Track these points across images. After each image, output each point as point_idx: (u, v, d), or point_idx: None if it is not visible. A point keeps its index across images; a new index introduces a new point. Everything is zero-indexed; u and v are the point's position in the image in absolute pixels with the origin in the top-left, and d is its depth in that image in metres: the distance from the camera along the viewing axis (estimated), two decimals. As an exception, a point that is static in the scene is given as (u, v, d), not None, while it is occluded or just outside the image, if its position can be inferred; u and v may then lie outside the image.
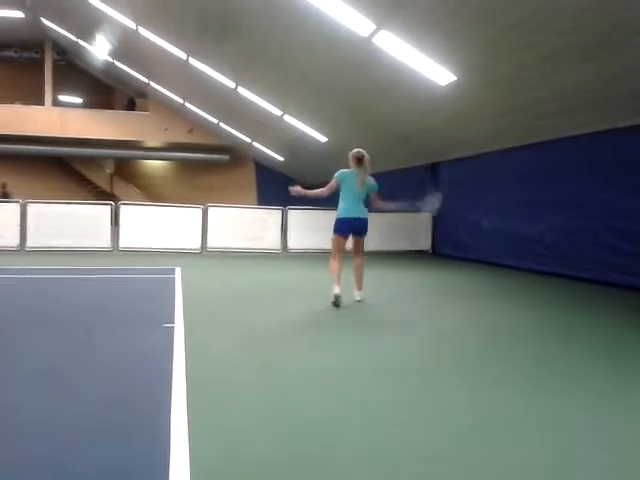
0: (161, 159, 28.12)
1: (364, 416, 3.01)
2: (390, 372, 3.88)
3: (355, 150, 6.55)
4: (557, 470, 2.45)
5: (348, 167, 6.53)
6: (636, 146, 7.90)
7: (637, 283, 7.82)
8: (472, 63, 8.48)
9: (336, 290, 6.22)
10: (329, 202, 15.67)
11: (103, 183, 28.35)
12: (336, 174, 6.49)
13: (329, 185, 6.49)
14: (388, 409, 3.14)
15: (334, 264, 6.49)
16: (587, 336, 5.25)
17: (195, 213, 13.25)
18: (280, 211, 13.87)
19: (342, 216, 6.51)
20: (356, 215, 6.49)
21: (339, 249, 6.58)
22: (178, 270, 9.29)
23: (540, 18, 6.61)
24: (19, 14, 21.08)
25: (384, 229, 14.43)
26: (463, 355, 4.43)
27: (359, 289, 6.69)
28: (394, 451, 2.57)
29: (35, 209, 12.57)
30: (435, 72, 8.93)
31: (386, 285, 8.85)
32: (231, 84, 15.73)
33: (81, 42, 21.55)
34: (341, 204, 6.52)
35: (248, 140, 23.16)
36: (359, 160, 6.47)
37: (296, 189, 6.69)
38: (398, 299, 7.30)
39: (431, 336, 5.09)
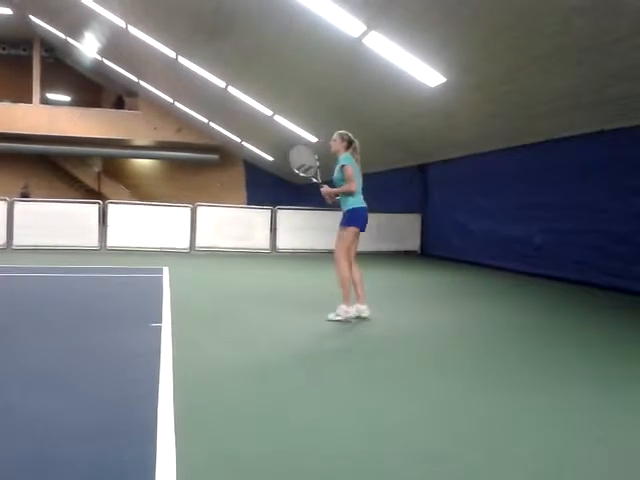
0: (150, 158, 27.98)
1: (359, 418, 3.01)
2: (385, 374, 3.88)
3: (344, 132, 5.83)
4: (553, 470, 2.47)
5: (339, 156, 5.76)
6: (626, 148, 7.97)
7: (625, 285, 7.89)
8: (462, 65, 8.51)
9: (358, 310, 5.59)
10: (314, 201, 15.49)
11: (91, 182, 28.14)
12: (349, 162, 5.62)
13: (350, 175, 5.57)
14: (384, 411, 3.14)
15: (348, 270, 5.59)
16: (577, 337, 5.29)
17: (184, 212, 13.20)
18: (269, 211, 13.86)
19: (362, 205, 5.67)
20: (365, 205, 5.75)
21: (351, 249, 5.69)
22: (166, 270, 9.25)
23: (530, 20, 6.65)
24: (7, 11, 20.90)
25: (372, 230, 14.46)
26: (455, 357, 4.44)
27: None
28: (391, 452, 2.57)
29: (22, 207, 12.48)
30: (425, 74, 8.95)
31: (374, 287, 8.86)
32: (221, 84, 15.69)
33: (70, 40, 21.39)
34: (357, 195, 5.67)
35: (238, 140, 23.11)
36: (352, 144, 5.77)
37: (325, 190, 5.74)
38: (387, 301, 7.31)
39: (423, 338, 5.10)
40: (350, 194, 5.58)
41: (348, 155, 5.67)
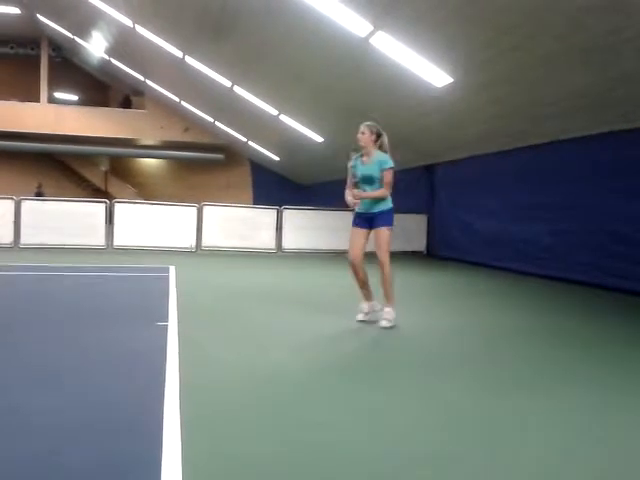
0: (156, 157, 28.06)
1: (361, 418, 3.01)
2: (387, 375, 3.88)
3: (372, 123, 5.52)
4: (554, 470, 2.46)
5: (359, 149, 5.55)
6: (632, 150, 7.93)
7: (631, 286, 7.85)
8: (469, 65, 8.49)
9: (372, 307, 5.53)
10: (320, 201, 15.50)
11: (98, 181, 28.26)
12: (392, 164, 5.41)
13: (390, 180, 5.41)
14: (385, 411, 3.14)
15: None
16: (582, 339, 5.27)
17: (190, 212, 13.24)
18: (275, 210, 13.87)
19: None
20: None
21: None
22: (172, 269, 9.26)
23: (537, 21, 6.62)
24: (15, 10, 21.01)
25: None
26: (459, 358, 4.43)
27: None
28: (392, 454, 2.56)
29: (29, 206, 12.54)
30: (432, 74, 8.93)
31: (378, 287, 8.84)
32: (227, 83, 15.71)
33: (77, 39, 21.49)
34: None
35: (244, 139, 23.13)
36: (381, 137, 5.51)
37: (365, 194, 5.44)
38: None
39: (425, 339, 5.09)
40: (383, 198, 5.41)
41: (389, 156, 5.41)
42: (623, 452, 2.69)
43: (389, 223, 5.42)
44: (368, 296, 5.61)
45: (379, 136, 5.46)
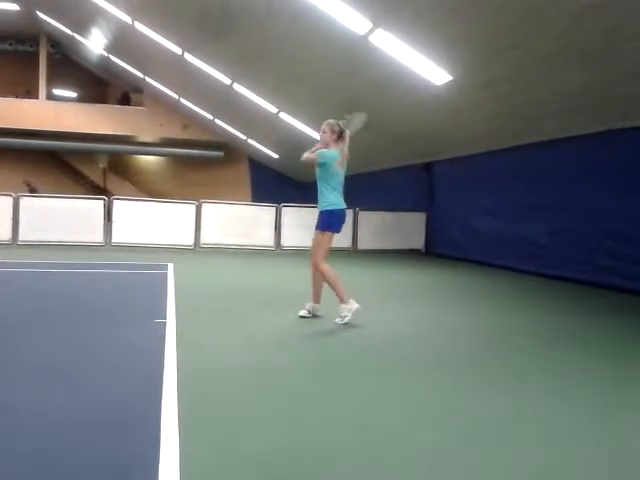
0: (155, 154, 27.99)
1: (360, 417, 3.00)
2: (388, 373, 3.88)
3: (334, 121, 5.43)
4: (554, 470, 2.46)
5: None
6: (631, 148, 7.93)
7: (631, 286, 7.85)
8: (468, 63, 8.48)
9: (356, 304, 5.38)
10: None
11: (96, 178, 28.21)
12: (326, 152, 5.30)
13: (312, 158, 5.36)
14: (385, 411, 3.14)
15: (332, 271, 5.36)
16: (581, 338, 5.26)
17: (189, 209, 13.22)
18: (274, 208, 13.86)
19: (341, 207, 5.37)
20: (345, 206, 5.46)
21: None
22: (171, 266, 9.26)
23: (537, 20, 6.61)
24: (14, 6, 20.94)
25: (377, 228, 14.44)
26: (458, 357, 4.42)
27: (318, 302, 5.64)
28: (393, 453, 2.56)
29: (27, 203, 12.51)
30: (431, 72, 8.92)
31: (376, 284, 8.84)
32: (227, 80, 15.68)
33: (76, 36, 21.42)
34: (333, 193, 5.34)
35: (243, 137, 23.09)
36: (341, 135, 5.38)
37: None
38: (389, 299, 7.29)
39: (424, 337, 5.08)
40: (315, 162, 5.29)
41: (336, 153, 5.31)
42: (623, 452, 2.69)
43: (321, 227, 5.35)
44: (314, 297, 5.61)
45: (341, 134, 5.38)
